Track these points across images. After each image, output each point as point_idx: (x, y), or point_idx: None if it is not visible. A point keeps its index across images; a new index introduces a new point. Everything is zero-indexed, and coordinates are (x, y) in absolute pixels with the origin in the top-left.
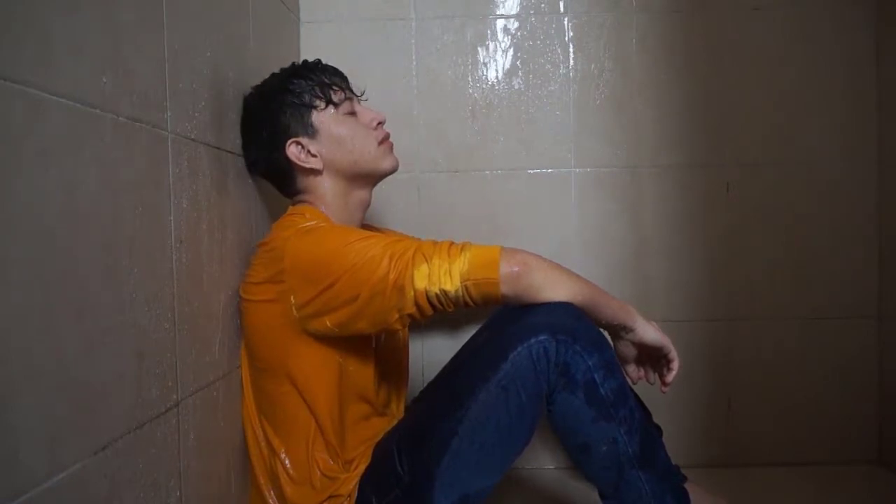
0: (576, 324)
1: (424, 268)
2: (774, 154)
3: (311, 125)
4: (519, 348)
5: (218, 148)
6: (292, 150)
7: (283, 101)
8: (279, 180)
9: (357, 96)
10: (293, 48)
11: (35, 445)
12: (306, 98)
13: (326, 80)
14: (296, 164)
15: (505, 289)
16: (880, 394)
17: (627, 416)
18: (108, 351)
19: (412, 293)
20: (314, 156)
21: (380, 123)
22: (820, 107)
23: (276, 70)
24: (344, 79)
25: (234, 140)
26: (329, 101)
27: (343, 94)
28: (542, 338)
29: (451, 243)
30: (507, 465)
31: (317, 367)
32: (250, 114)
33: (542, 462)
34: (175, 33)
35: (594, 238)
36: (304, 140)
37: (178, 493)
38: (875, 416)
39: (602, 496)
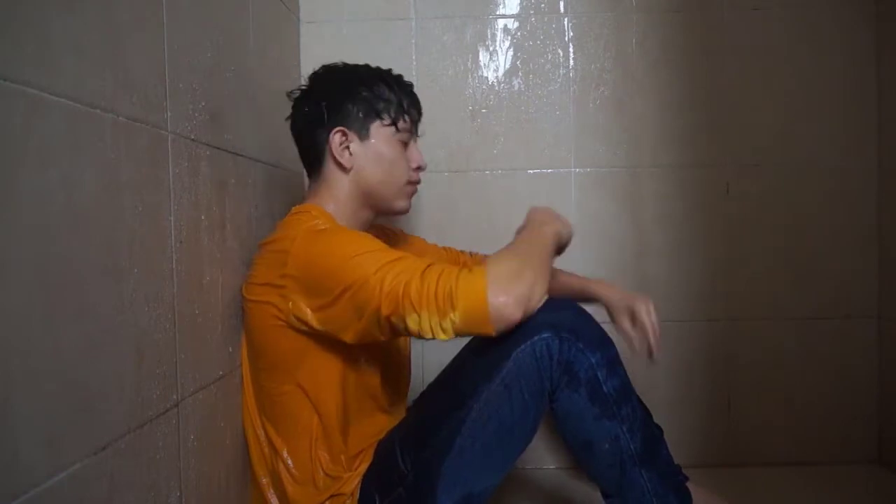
0: (578, 322)
1: (415, 317)
2: (774, 154)
3: (367, 129)
4: (522, 346)
5: (218, 148)
6: (336, 137)
7: (359, 93)
8: (309, 153)
9: (417, 136)
10: (293, 48)
11: (35, 445)
12: (380, 105)
13: (405, 106)
14: (331, 150)
15: (499, 329)
16: (880, 394)
17: (630, 414)
18: (108, 351)
19: (404, 328)
20: (351, 154)
21: (419, 168)
22: (820, 107)
23: (276, 69)
24: (419, 115)
25: (234, 140)
26: (394, 123)
27: (408, 127)
28: (544, 336)
29: (438, 284)
30: (509, 463)
31: (323, 366)
32: (324, 81)
33: (544, 462)
34: (175, 33)
35: (594, 238)
36: (351, 135)
37: (178, 493)
38: (875, 416)
39: (604, 495)
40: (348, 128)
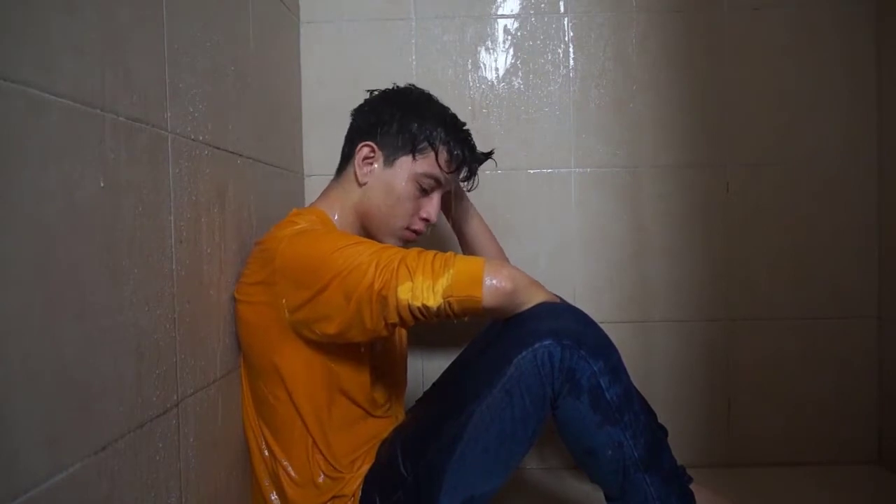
0: (581, 329)
1: (408, 283)
2: (774, 154)
3: (395, 158)
4: (523, 353)
5: (218, 148)
6: (364, 150)
7: (411, 122)
8: (343, 151)
9: (452, 188)
10: (293, 48)
11: (35, 445)
12: (422, 144)
13: (451, 157)
14: (355, 159)
15: (487, 304)
16: (880, 394)
17: (633, 420)
18: (108, 351)
19: (395, 303)
20: (370, 172)
21: (424, 219)
22: (820, 107)
23: (276, 69)
24: (464, 173)
25: (234, 140)
26: (414, 153)
27: (440, 178)
28: (546, 343)
29: (435, 256)
30: (511, 467)
31: (306, 370)
32: (393, 96)
33: (545, 462)
34: (175, 33)
35: (594, 238)
36: (378, 155)
37: (178, 494)
38: (875, 416)
39: (608, 498)
40: (380, 147)
